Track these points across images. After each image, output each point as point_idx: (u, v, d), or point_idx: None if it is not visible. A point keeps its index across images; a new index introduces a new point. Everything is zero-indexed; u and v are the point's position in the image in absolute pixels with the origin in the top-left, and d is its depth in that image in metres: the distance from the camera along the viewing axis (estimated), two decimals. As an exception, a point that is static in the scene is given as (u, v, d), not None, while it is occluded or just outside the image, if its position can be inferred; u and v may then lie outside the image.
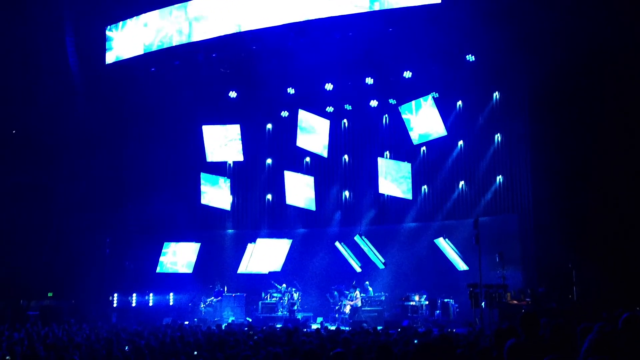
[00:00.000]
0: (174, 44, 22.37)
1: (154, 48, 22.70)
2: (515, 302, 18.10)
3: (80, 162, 24.64)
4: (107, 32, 23.77)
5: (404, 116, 22.83)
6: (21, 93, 23.75)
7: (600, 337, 4.37)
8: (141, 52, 22.97)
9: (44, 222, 23.99)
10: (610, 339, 4.40)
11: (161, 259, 25.14)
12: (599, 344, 4.32)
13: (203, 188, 25.63)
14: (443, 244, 22.25)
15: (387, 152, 24.78)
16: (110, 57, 23.62)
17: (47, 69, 23.80)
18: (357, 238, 23.83)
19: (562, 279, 17.99)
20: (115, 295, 24.91)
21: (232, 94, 24.54)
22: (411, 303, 21.29)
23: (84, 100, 24.62)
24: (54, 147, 24.42)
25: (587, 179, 18.66)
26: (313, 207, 24.96)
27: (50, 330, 16.27)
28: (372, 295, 22.79)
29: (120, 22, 23.57)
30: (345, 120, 25.79)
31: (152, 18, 22.92)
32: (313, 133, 24.16)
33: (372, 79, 22.98)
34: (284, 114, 25.90)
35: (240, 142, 25.09)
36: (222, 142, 25.22)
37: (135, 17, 23.26)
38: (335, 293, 23.44)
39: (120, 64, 23.50)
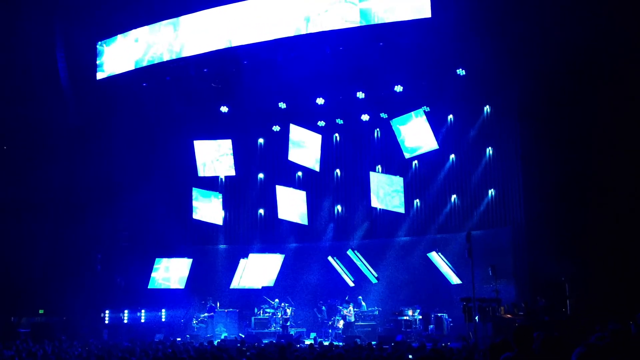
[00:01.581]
0: (164, 59, 22.38)
1: (145, 63, 22.70)
2: (508, 315, 18.05)
3: (70, 177, 24.55)
4: (98, 48, 23.76)
5: (395, 130, 22.89)
6: (12, 108, 23.67)
7: (589, 351, 4.33)
8: (132, 68, 22.96)
9: (35, 238, 23.83)
10: (599, 353, 4.36)
11: (153, 274, 24.98)
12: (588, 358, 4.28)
13: (195, 203, 25.56)
14: (436, 257, 22.21)
15: (379, 166, 24.83)
16: (101, 73, 23.60)
17: (38, 84, 23.73)
18: (349, 252, 23.78)
19: (555, 292, 17.95)
20: (107, 311, 24.71)
21: (224, 109, 24.52)
22: (405, 317, 21.21)
23: (75, 116, 24.56)
24: (45, 163, 24.31)
25: (579, 192, 18.68)
26: (305, 222, 24.90)
27: (41, 348, 16.11)
28: (365, 309, 22.71)
29: (111, 38, 23.57)
30: (336, 135, 25.84)
31: (142, 33, 22.94)
32: (305, 147, 24.16)
33: (363, 93, 23.02)
34: (276, 128, 25.93)
35: (232, 156, 25.09)
36: (214, 156, 25.21)
37: (126, 33, 23.27)
38: (323, 308, 23.35)
39: (111, 79, 23.48)
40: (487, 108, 22.84)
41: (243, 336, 21.35)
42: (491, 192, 22.66)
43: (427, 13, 18.67)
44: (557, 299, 17.80)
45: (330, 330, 22.48)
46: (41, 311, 24.69)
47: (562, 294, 17.65)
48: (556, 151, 19.24)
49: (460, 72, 21.10)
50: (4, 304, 23.91)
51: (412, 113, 22.45)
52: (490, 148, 22.75)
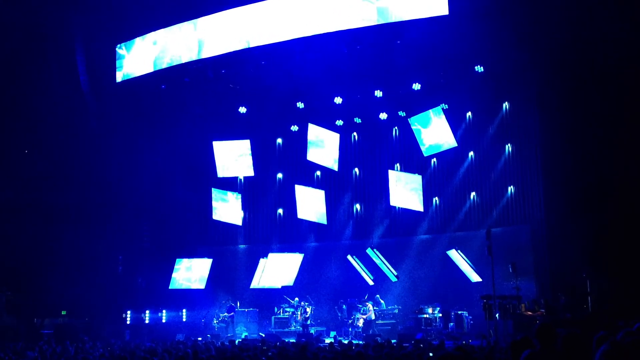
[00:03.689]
0: (183, 61, 22.51)
1: (164, 65, 22.84)
2: (529, 313, 17.96)
3: (92, 180, 24.77)
4: (117, 51, 23.97)
5: (413, 128, 22.85)
6: (33, 112, 23.93)
7: (614, 349, 4.27)
8: (151, 70, 23.12)
9: (57, 240, 24.07)
10: (625, 352, 4.30)
11: (173, 275, 25.14)
12: (612, 357, 4.22)
13: (214, 204, 25.68)
14: (455, 255, 22.14)
15: (398, 165, 24.76)
16: (120, 75, 23.80)
17: (58, 88, 23.97)
18: (369, 251, 23.76)
19: (576, 289, 17.83)
20: (129, 312, 24.93)
21: (242, 110, 24.62)
22: (425, 316, 21.16)
23: (96, 119, 24.79)
24: (67, 166, 24.56)
25: (599, 188, 18.52)
26: (324, 221, 24.92)
27: (64, 349, 16.29)
28: (385, 308, 22.70)
29: (130, 41, 23.76)
30: (355, 134, 25.82)
31: (161, 36, 23.09)
32: (323, 147, 24.19)
33: (381, 92, 22.99)
34: (294, 128, 25.98)
35: (251, 157, 25.18)
36: (233, 157, 25.30)
37: (144, 35, 23.44)
38: (344, 307, 23.36)
39: (130, 82, 23.67)
40: (506, 105, 22.70)
41: (263, 335, 21.44)
42: (511, 189, 22.52)
43: (444, 10, 18.60)
44: (578, 295, 17.67)
45: (350, 329, 22.48)
46: (64, 312, 24.95)
47: (583, 291, 17.51)
48: (576, 147, 19.10)
49: (479, 69, 21.01)
50: (27, 306, 24.22)
51: (431, 111, 22.38)
52: (509, 145, 22.61)
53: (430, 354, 10.47)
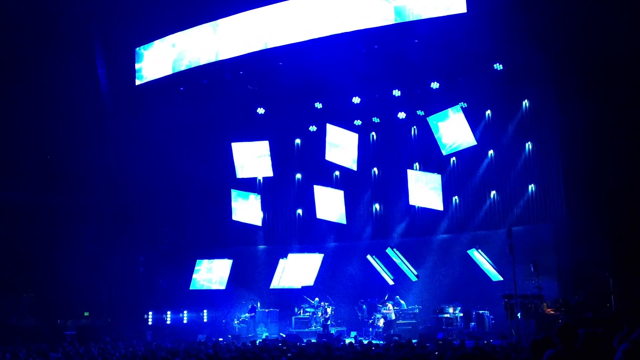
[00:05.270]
0: (201, 63, 22.63)
1: (183, 68, 22.98)
2: (552, 312, 17.80)
3: (112, 183, 24.97)
4: (137, 53, 24.14)
5: (432, 127, 22.75)
6: (53, 117, 24.16)
7: (635, 348, 4.21)
8: (170, 72, 23.28)
9: (79, 242, 24.32)
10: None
11: (194, 276, 25.27)
12: (633, 356, 4.16)
13: (234, 204, 25.74)
14: (476, 254, 22.01)
15: (417, 164, 24.65)
16: (139, 78, 23.97)
17: (78, 92, 24.17)
18: (388, 250, 23.71)
19: (599, 287, 17.63)
20: (150, 313, 25.11)
21: (260, 111, 24.67)
22: (445, 315, 21.06)
23: (115, 121, 24.99)
24: (87, 169, 24.78)
25: (622, 185, 18.31)
26: (344, 221, 24.88)
27: (87, 350, 16.42)
28: (406, 308, 22.62)
29: (149, 43, 23.92)
30: (373, 133, 25.76)
31: (180, 38, 23.23)
32: (342, 147, 24.17)
33: (400, 91, 22.91)
34: (312, 128, 25.97)
35: (270, 157, 25.21)
36: (252, 158, 25.36)
37: (163, 38, 23.59)
38: (364, 307, 23.33)
39: (149, 84, 23.82)
40: (525, 102, 22.50)
41: (284, 336, 21.45)
42: (531, 187, 22.33)
43: (462, 8, 18.53)
44: (598, 294, 17.47)
45: (370, 329, 22.46)
46: (86, 314, 25.20)
47: (606, 289, 17.32)
48: (597, 144, 18.89)
49: (498, 66, 20.87)
50: (50, 307, 24.48)
51: (449, 109, 22.28)
52: (529, 143, 22.42)
53: (450, 352, 10.41)
